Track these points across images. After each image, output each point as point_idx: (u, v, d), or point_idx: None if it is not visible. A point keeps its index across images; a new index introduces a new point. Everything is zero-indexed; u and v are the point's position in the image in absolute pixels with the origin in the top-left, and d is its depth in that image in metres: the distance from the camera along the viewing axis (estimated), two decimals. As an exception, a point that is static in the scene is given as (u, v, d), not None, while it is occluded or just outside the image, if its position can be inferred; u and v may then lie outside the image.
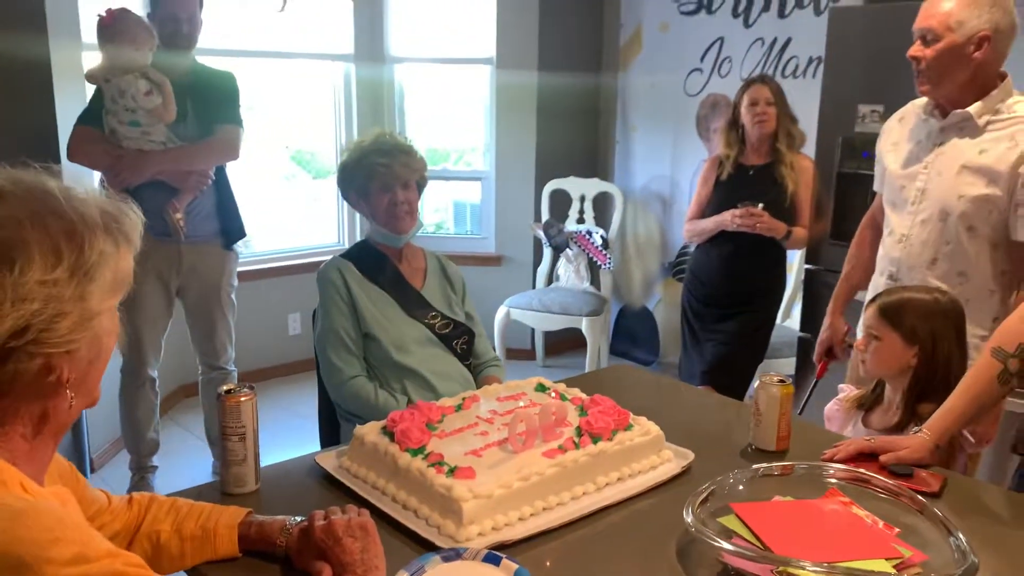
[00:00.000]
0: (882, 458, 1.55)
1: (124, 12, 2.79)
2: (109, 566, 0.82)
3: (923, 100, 2.14)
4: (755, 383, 1.66)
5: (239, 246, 3.17)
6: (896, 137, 2.20)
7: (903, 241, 2.11)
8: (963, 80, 1.97)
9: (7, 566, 0.77)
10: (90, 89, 2.91)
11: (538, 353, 4.80)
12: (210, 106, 2.93)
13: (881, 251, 2.23)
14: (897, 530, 1.30)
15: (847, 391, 2.01)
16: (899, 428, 1.79)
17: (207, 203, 2.99)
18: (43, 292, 0.85)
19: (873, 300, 1.90)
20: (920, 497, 1.37)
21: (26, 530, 0.79)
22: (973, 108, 1.99)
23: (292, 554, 1.22)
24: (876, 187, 2.33)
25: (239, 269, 3.35)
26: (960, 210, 1.99)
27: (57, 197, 0.90)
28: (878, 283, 2.22)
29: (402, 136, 2.23)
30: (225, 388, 1.42)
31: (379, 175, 2.11)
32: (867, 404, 1.92)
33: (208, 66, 3.03)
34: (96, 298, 0.90)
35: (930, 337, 1.80)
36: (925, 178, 2.07)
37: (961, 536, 1.23)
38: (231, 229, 3.09)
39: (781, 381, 1.64)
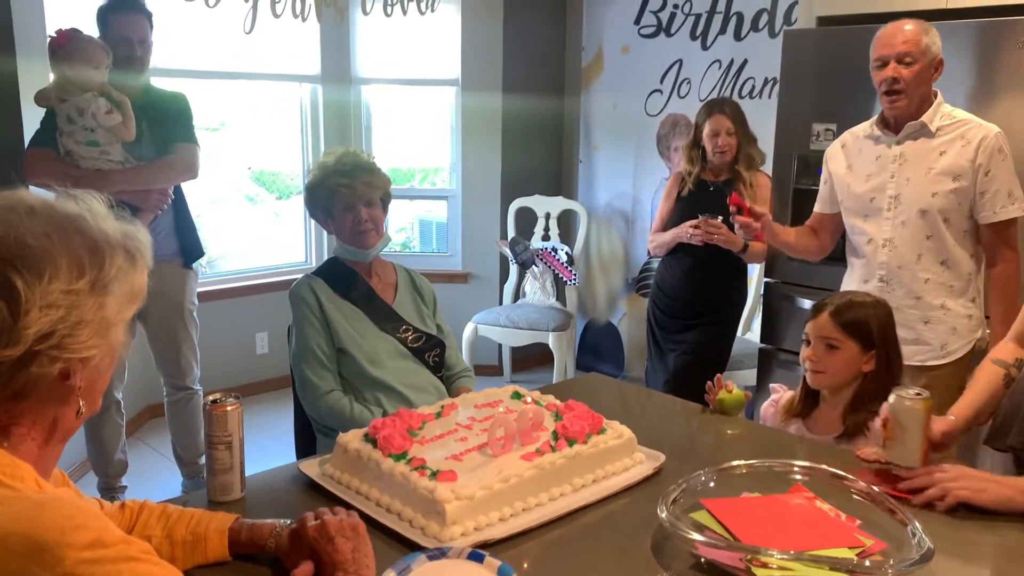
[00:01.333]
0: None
1: (77, 32, 2.78)
2: (124, 551, 0.86)
3: (860, 127, 2.46)
4: (891, 399, 1.57)
5: (198, 265, 3.19)
6: (847, 160, 2.47)
7: (888, 245, 2.37)
8: (923, 96, 2.30)
9: (30, 550, 0.80)
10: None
11: (505, 368, 4.86)
12: (165, 126, 2.94)
13: (859, 261, 2.46)
14: (858, 522, 1.38)
15: (781, 392, 2.08)
16: (846, 437, 1.86)
17: (166, 222, 3.01)
18: (67, 301, 0.90)
19: (820, 310, 1.93)
20: (875, 489, 1.46)
21: (48, 518, 0.83)
22: (926, 117, 2.31)
23: (282, 556, 1.25)
24: (817, 208, 2.60)
25: (206, 288, 3.37)
26: (937, 206, 2.28)
27: (83, 216, 0.95)
28: (864, 290, 2.36)
29: (365, 154, 2.28)
30: (212, 398, 1.46)
31: (341, 196, 2.15)
32: (804, 411, 1.96)
33: (160, 88, 3.05)
34: (113, 309, 0.95)
35: (883, 342, 1.89)
36: (895, 186, 2.34)
37: (917, 525, 1.31)
38: (190, 248, 3.11)
39: (918, 394, 1.55)
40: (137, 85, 2.91)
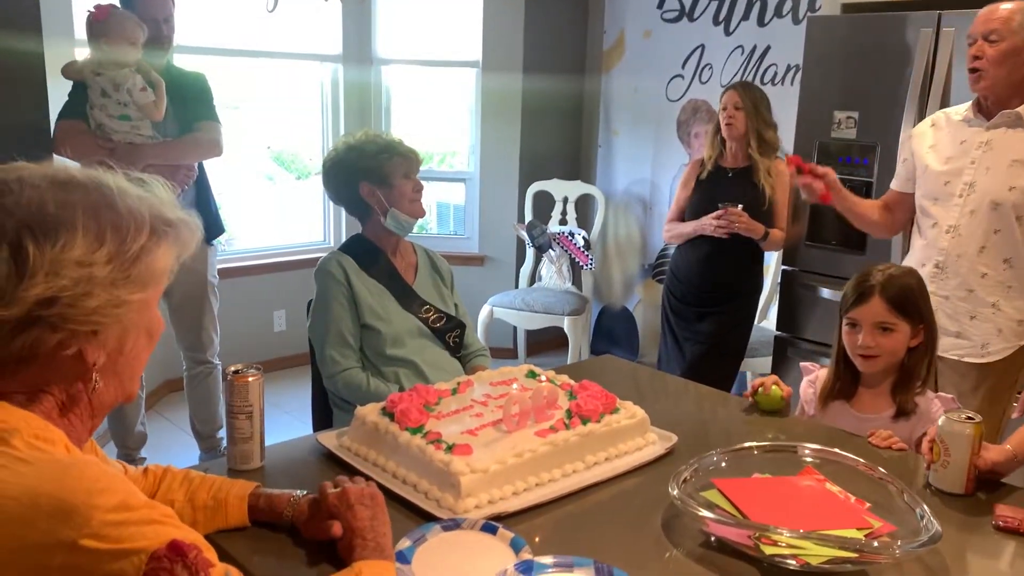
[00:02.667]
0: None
1: (116, 7, 2.84)
2: (148, 514, 0.89)
3: (956, 108, 2.36)
4: (940, 421, 1.54)
5: (217, 242, 3.24)
6: (932, 140, 2.38)
7: (951, 232, 2.28)
8: (1016, 80, 2.18)
9: (58, 510, 0.83)
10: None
11: (520, 351, 4.88)
12: (188, 104, 2.98)
13: (921, 242, 2.38)
14: (867, 504, 1.39)
15: (814, 370, 2.03)
16: (902, 415, 1.82)
17: (188, 199, 3.05)
18: (76, 272, 0.90)
19: (868, 294, 1.84)
20: (882, 470, 1.47)
21: (75, 480, 0.86)
22: (1023, 108, 2.20)
23: (299, 524, 1.29)
24: (894, 185, 2.51)
25: (224, 266, 3.41)
26: (1012, 200, 2.19)
27: (114, 193, 0.96)
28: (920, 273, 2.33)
29: (386, 134, 2.31)
30: (233, 368, 1.49)
31: (407, 160, 2.19)
32: (848, 392, 1.90)
33: (180, 67, 3.09)
34: (127, 288, 0.95)
35: (928, 312, 1.86)
36: (973, 172, 2.25)
37: (926, 508, 1.32)
38: (211, 224, 3.16)
39: (970, 418, 1.51)
40: (159, 63, 2.94)
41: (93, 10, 2.79)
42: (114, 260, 0.93)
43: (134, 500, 0.89)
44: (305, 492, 1.32)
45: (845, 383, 1.91)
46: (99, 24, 2.78)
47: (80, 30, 3.23)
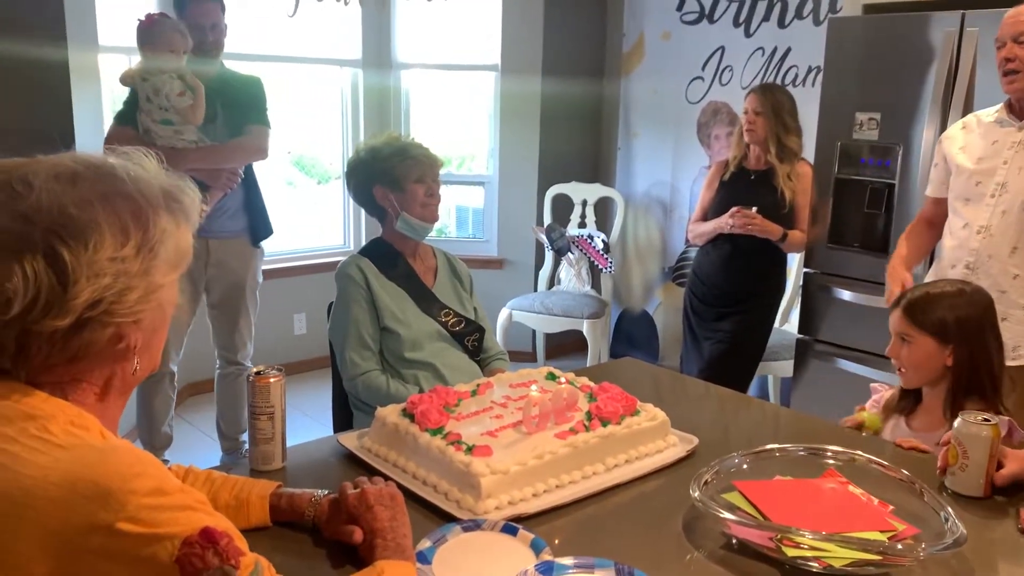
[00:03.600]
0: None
1: (163, 16, 2.93)
2: (182, 500, 0.90)
3: (986, 110, 2.37)
4: (956, 423, 1.51)
5: (265, 244, 3.28)
6: (963, 142, 2.39)
7: (982, 232, 2.28)
8: None
9: (94, 494, 0.84)
10: (106, 92, 3.01)
11: (539, 355, 4.88)
12: (239, 109, 3.04)
13: (952, 243, 2.37)
14: (891, 507, 1.38)
15: (882, 390, 1.98)
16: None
17: (235, 201, 3.11)
18: (113, 268, 0.92)
19: (899, 301, 1.85)
20: (906, 472, 1.45)
21: (112, 465, 0.87)
22: None
23: (320, 524, 1.29)
24: (930, 192, 2.52)
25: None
26: None
27: (123, 179, 0.96)
28: (949, 275, 2.32)
29: (409, 138, 2.32)
30: (255, 370, 1.50)
31: (418, 163, 2.19)
32: (905, 408, 1.87)
33: (235, 71, 3.14)
34: (160, 272, 0.97)
35: (961, 332, 1.76)
36: (1005, 173, 2.25)
37: (950, 511, 1.30)
38: (259, 226, 3.20)
39: (986, 420, 1.48)
40: (211, 69, 3.01)
41: (143, 19, 2.88)
42: (142, 249, 0.94)
43: (168, 485, 0.89)
44: (326, 492, 1.32)
45: (908, 399, 1.87)
46: (145, 31, 2.87)
47: (104, 38, 3.29)
